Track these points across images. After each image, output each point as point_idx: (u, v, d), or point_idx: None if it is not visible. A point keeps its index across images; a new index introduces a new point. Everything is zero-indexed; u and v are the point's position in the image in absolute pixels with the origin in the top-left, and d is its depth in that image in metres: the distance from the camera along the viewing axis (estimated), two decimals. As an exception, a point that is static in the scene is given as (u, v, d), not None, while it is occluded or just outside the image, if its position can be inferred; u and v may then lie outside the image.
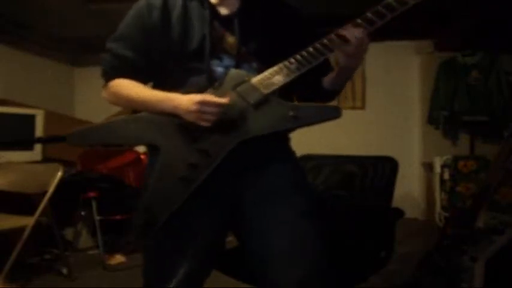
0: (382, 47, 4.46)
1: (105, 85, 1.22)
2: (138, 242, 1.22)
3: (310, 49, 1.06)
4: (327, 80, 1.18)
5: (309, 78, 1.11)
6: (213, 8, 1.17)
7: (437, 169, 3.93)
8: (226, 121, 1.06)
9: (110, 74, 1.20)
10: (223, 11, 1.18)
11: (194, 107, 1.04)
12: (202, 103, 1.03)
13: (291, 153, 1.25)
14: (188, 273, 1.11)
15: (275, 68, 1.08)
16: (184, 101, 1.06)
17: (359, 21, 1.01)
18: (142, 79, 1.20)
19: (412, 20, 3.28)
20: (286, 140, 1.24)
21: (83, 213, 3.27)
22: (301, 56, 1.06)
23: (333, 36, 1.04)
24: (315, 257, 1.10)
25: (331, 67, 1.21)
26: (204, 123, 1.05)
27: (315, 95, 1.19)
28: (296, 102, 1.14)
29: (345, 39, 1.01)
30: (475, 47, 4.07)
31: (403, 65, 4.59)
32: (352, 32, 1.01)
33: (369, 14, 1.01)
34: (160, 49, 1.16)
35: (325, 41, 1.05)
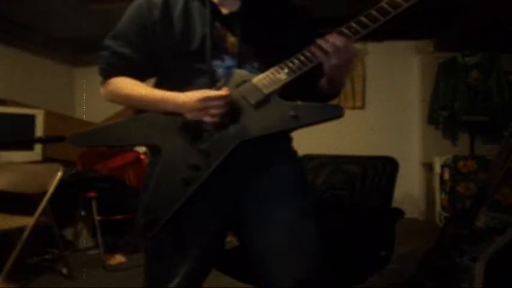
0: (382, 47, 4.47)
1: (103, 82, 1.21)
2: (139, 242, 1.22)
3: (312, 48, 1.05)
4: (322, 84, 1.16)
5: (305, 80, 1.10)
6: (214, 7, 1.16)
7: (437, 169, 3.94)
8: (227, 121, 1.06)
9: (108, 72, 1.19)
10: (225, 10, 1.17)
11: (199, 105, 1.04)
12: (205, 99, 1.03)
13: (293, 153, 1.24)
14: (188, 273, 1.11)
15: (276, 67, 1.08)
16: (186, 99, 1.05)
17: (343, 30, 1.01)
18: (141, 77, 1.19)
19: (412, 20, 3.28)
20: (288, 139, 1.23)
21: (83, 213, 3.27)
22: (303, 55, 1.06)
23: (312, 47, 1.04)
24: (315, 256, 1.10)
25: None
26: (210, 119, 1.05)
27: (311, 96, 1.19)
28: (298, 102, 1.13)
29: (323, 51, 1.01)
30: (475, 47, 4.07)
31: (403, 65, 4.59)
32: (333, 42, 1.00)
33: (353, 23, 1.01)
34: (160, 48, 1.15)
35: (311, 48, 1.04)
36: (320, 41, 1.02)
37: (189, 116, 1.07)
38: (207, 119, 1.05)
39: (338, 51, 1.00)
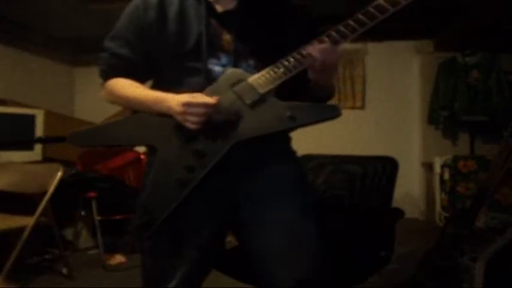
0: (382, 47, 4.47)
1: (104, 84, 1.21)
2: (137, 243, 1.21)
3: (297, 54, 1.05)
4: (311, 86, 1.15)
5: (299, 80, 1.09)
6: (210, 5, 1.16)
7: (437, 169, 3.94)
8: (222, 121, 1.05)
9: (107, 73, 1.20)
10: (221, 7, 1.17)
11: (180, 109, 1.02)
12: (187, 104, 1.01)
13: (292, 152, 1.24)
14: (187, 274, 1.10)
15: (272, 66, 1.06)
16: (173, 102, 1.04)
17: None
18: (140, 78, 1.19)
19: (412, 20, 3.29)
20: (287, 139, 1.23)
21: (83, 213, 3.27)
22: (299, 53, 1.04)
23: (296, 54, 1.03)
24: (314, 256, 1.10)
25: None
26: (189, 125, 1.03)
27: (305, 97, 1.19)
28: (295, 102, 1.13)
29: (306, 56, 1.01)
30: (475, 47, 4.07)
31: (403, 65, 4.59)
32: (315, 49, 1.00)
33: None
34: (157, 47, 1.15)
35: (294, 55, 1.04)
36: (304, 49, 1.02)
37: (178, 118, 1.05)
38: (188, 124, 1.03)
39: (315, 59, 1.00)
